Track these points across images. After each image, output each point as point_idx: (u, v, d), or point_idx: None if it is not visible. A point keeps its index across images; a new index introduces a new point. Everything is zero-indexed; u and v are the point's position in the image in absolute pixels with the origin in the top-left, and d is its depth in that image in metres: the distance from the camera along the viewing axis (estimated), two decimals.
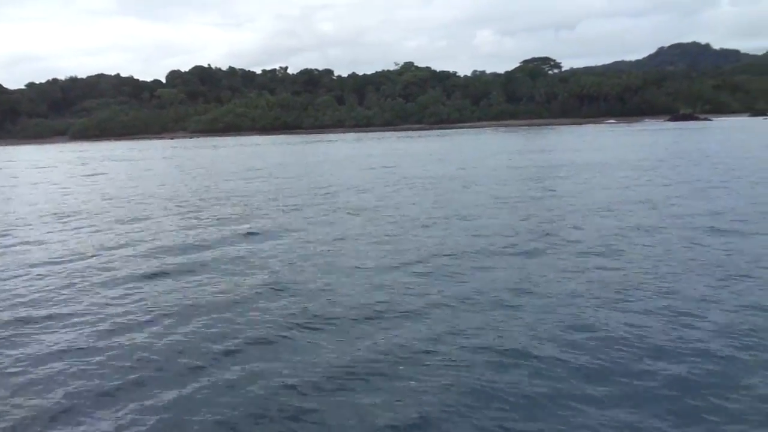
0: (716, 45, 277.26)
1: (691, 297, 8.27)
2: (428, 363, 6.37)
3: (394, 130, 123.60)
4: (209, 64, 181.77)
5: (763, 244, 11.25)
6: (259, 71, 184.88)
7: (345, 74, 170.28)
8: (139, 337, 7.53)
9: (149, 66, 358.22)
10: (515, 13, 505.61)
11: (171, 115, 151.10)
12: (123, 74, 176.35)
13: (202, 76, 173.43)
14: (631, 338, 6.90)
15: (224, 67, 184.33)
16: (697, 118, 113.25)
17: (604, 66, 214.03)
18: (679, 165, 28.11)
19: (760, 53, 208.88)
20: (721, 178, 22.13)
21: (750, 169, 24.94)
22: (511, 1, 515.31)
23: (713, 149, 37.76)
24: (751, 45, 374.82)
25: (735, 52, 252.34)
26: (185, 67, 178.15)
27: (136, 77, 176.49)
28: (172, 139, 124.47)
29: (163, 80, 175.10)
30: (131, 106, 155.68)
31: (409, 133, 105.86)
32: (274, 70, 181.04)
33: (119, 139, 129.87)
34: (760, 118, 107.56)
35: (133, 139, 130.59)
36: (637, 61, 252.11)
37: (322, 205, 18.58)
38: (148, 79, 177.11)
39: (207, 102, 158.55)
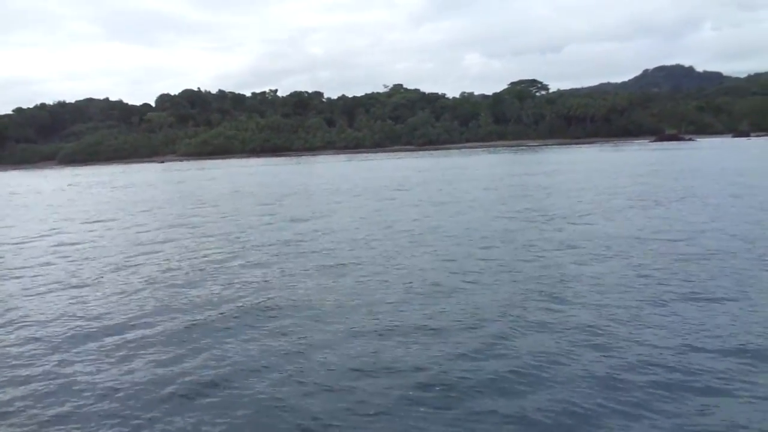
0: (699, 67, 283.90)
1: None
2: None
3: (384, 152, 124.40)
4: (199, 88, 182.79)
5: None
6: (248, 94, 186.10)
7: (335, 96, 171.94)
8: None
9: (138, 90, 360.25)
10: (502, 36, 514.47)
11: (161, 139, 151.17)
12: (112, 98, 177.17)
13: (192, 99, 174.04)
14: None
15: (214, 90, 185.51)
16: (681, 139, 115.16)
17: (590, 88, 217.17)
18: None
19: (742, 75, 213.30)
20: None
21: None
22: (499, 24, 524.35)
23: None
24: (733, 67, 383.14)
25: (718, 75, 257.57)
26: (175, 91, 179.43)
27: (125, 101, 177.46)
28: (162, 162, 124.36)
29: (153, 104, 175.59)
30: (120, 130, 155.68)
31: (412, 153, 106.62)
32: (263, 93, 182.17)
33: (108, 164, 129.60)
34: (743, 139, 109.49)
35: (123, 162, 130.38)
36: (623, 83, 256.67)
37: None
38: (138, 102, 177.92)
39: (197, 125, 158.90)
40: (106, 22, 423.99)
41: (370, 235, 16.62)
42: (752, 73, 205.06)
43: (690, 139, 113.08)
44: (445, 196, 27.11)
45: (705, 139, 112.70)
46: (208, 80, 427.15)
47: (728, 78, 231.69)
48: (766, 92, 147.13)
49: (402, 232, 16.91)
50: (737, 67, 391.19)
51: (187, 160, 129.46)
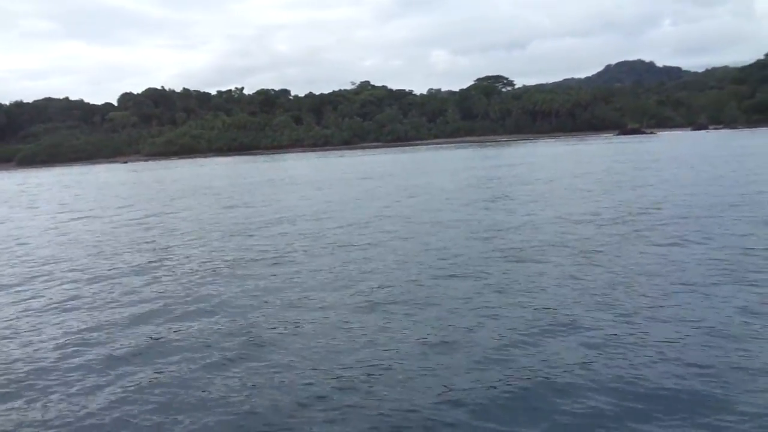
0: (660, 62, 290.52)
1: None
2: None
3: (353, 149, 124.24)
4: (162, 86, 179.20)
5: None
6: (214, 92, 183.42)
7: (302, 94, 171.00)
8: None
9: (100, 89, 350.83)
10: (469, 32, 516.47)
11: (124, 139, 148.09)
12: (72, 98, 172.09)
13: (156, 98, 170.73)
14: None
15: (178, 89, 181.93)
16: (643, 133, 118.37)
17: (554, 83, 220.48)
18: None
19: (700, 70, 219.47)
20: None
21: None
22: (465, 20, 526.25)
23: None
24: (691, 62, 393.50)
25: (677, 69, 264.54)
26: (138, 90, 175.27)
27: (86, 100, 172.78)
28: (125, 162, 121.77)
29: (115, 103, 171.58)
30: (82, 131, 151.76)
31: (381, 150, 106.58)
32: (229, 91, 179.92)
33: (70, 165, 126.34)
34: (701, 132, 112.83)
35: (85, 163, 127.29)
36: (587, 78, 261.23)
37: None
38: (99, 102, 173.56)
39: (161, 124, 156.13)
40: (65, 20, 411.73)
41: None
42: (709, 68, 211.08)
43: (651, 133, 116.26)
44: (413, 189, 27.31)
45: (665, 133, 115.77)
46: (172, 79, 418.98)
47: (687, 72, 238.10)
48: (723, 86, 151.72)
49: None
50: (695, 62, 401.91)
51: (152, 159, 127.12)
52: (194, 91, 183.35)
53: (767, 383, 6.02)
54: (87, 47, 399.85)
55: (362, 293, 10.04)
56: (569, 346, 7.29)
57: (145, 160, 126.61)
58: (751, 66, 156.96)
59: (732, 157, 39.07)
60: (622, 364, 6.67)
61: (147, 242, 17.07)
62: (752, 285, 9.32)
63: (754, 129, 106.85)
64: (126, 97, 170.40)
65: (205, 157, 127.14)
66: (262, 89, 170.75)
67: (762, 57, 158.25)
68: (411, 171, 45.24)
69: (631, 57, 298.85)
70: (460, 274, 11.01)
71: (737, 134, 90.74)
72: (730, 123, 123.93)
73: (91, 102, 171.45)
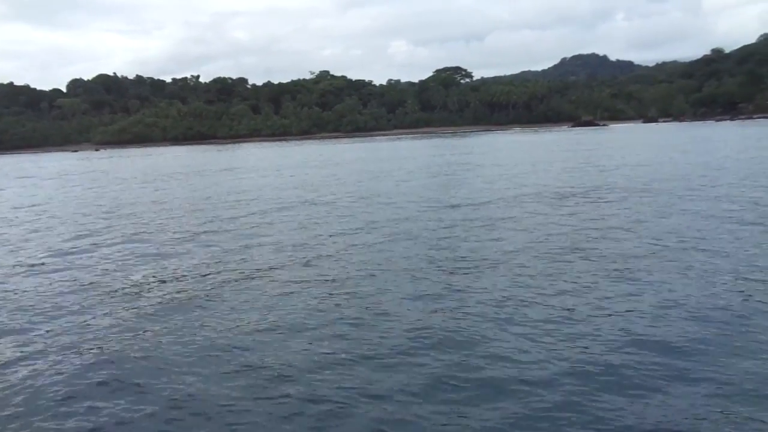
0: (613, 56, 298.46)
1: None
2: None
3: (312, 139, 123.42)
4: (115, 73, 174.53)
5: None
6: (169, 80, 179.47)
7: (260, 83, 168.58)
8: None
9: (47, 74, 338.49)
10: (427, 24, 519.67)
11: (74, 126, 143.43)
12: (17, 83, 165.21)
13: (107, 84, 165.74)
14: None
15: (131, 76, 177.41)
16: (597, 124, 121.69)
17: (512, 75, 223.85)
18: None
19: (651, 64, 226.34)
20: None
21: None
22: (424, 12, 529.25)
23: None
24: (643, 56, 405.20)
25: (629, 63, 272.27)
26: (88, 76, 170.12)
27: (32, 86, 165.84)
28: (75, 151, 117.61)
29: (64, 89, 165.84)
30: (28, 117, 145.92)
31: (341, 140, 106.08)
32: (185, 79, 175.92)
33: (14, 153, 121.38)
34: (651, 124, 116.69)
35: (32, 152, 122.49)
36: (543, 71, 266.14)
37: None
38: (47, 88, 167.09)
39: (113, 112, 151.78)
40: (9, 1, 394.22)
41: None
42: (660, 62, 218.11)
43: (604, 125, 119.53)
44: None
45: (618, 125, 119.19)
46: (124, 65, 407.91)
47: (639, 66, 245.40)
48: (672, 80, 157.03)
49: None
50: (647, 56, 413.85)
51: (104, 148, 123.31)
52: (148, 78, 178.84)
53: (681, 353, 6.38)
54: (33, 30, 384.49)
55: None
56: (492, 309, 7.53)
57: (96, 149, 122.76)
58: (698, 61, 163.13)
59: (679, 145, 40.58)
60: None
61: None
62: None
63: (700, 122, 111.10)
64: (76, 84, 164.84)
65: (160, 146, 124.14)
66: (219, 77, 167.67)
67: (708, 52, 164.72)
68: (376, 159, 45.29)
69: (586, 51, 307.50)
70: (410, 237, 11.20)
71: (684, 126, 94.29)
72: (679, 116, 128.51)
73: (38, 88, 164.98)
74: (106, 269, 11.11)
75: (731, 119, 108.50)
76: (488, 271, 9.59)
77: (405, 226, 14.24)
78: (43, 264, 11.85)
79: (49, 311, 8.62)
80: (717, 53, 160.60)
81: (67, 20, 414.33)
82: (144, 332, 7.52)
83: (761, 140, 44.29)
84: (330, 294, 8.77)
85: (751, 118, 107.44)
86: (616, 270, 9.30)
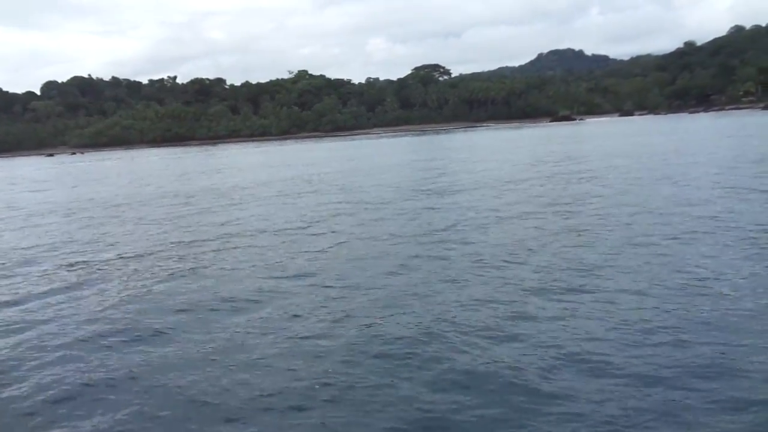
0: (588, 51, 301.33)
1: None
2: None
3: (292, 139, 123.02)
4: (90, 75, 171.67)
5: None
6: (145, 81, 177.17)
7: (238, 83, 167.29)
8: None
9: (21, 77, 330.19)
10: (405, 21, 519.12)
11: (48, 129, 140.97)
12: None
13: (82, 86, 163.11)
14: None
15: (107, 78, 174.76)
16: (574, 119, 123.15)
17: (490, 72, 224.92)
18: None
19: (626, 58, 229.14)
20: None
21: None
22: (401, 9, 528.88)
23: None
24: (618, 50, 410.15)
25: (605, 58, 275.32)
26: (62, 78, 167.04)
27: (5, 89, 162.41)
28: (51, 155, 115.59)
29: (38, 92, 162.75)
30: (1, 121, 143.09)
31: (321, 139, 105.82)
32: (162, 80, 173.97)
33: None
34: (627, 117, 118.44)
35: (4, 157, 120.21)
36: (520, 67, 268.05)
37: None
38: (20, 90, 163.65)
39: (89, 114, 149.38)
40: None
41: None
42: (634, 56, 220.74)
43: (581, 119, 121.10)
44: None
45: (594, 119, 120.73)
46: (99, 67, 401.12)
47: (614, 60, 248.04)
48: (647, 74, 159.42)
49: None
50: (622, 50, 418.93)
51: (81, 152, 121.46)
52: (124, 79, 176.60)
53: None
54: (5, 32, 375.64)
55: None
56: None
57: (73, 152, 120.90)
58: (671, 54, 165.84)
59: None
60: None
61: None
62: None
63: (675, 114, 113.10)
64: (50, 86, 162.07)
65: (138, 148, 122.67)
66: (197, 78, 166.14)
67: (681, 45, 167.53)
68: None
69: (562, 46, 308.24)
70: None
71: (660, 119, 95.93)
72: (654, 109, 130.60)
73: (11, 91, 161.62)
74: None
75: (705, 111, 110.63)
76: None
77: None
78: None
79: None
80: (689, 46, 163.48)
81: (40, 21, 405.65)
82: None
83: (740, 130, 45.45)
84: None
85: (723, 109, 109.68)
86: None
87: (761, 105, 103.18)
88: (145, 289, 9.57)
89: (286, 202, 20.00)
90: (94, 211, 20.94)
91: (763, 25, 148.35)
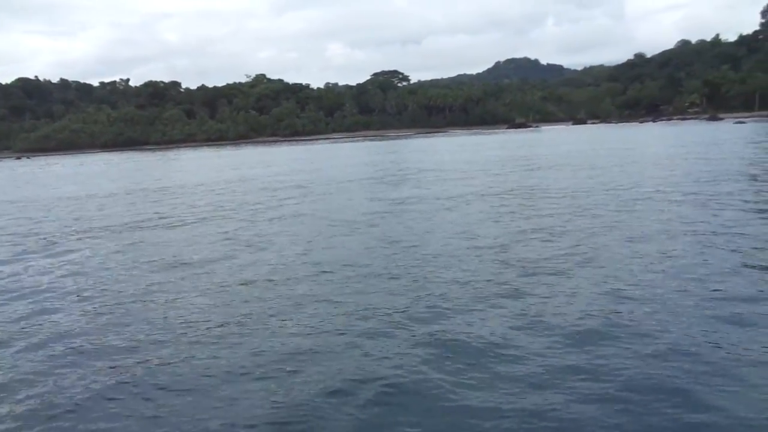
0: (544, 60, 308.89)
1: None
2: None
3: (249, 143, 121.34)
4: (36, 76, 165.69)
5: None
6: (96, 83, 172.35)
7: (193, 86, 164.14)
8: None
9: None
10: (363, 26, 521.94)
11: None
12: None
13: (28, 89, 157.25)
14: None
15: (55, 79, 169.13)
16: (530, 126, 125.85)
17: (448, 79, 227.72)
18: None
19: (579, 68, 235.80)
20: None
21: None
22: (360, 14, 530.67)
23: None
24: (572, 60, 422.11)
25: (559, 67, 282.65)
26: (6, 79, 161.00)
27: None
28: None
29: None
30: None
31: (279, 144, 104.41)
32: (114, 83, 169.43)
33: None
34: (580, 126, 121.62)
35: None
36: (478, 75, 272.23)
37: None
38: None
39: (36, 118, 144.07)
40: None
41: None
42: (588, 66, 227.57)
43: (536, 127, 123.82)
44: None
45: (548, 126, 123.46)
46: (47, 68, 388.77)
47: (568, 70, 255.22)
48: (599, 84, 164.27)
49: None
50: (576, 60, 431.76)
51: (26, 156, 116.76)
52: (74, 81, 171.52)
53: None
54: None
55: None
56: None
57: (18, 157, 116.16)
58: (623, 65, 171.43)
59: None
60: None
61: None
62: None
63: (625, 123, 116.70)
64: None
65: (88, 152, 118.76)
66: (151, 81, 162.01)
67: (632, 57, 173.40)
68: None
69: (518, 54, 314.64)
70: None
71: (610, 127, 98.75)
72: (606, 117, 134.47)
73: None
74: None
75: (653, 120, 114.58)
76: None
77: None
78: None
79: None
80: (639, 58, 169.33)
81: None
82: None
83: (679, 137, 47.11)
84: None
85: (671, 119, 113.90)
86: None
87: (705, 116, 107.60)
88: None
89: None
90: None
91: (708, 39, 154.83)
